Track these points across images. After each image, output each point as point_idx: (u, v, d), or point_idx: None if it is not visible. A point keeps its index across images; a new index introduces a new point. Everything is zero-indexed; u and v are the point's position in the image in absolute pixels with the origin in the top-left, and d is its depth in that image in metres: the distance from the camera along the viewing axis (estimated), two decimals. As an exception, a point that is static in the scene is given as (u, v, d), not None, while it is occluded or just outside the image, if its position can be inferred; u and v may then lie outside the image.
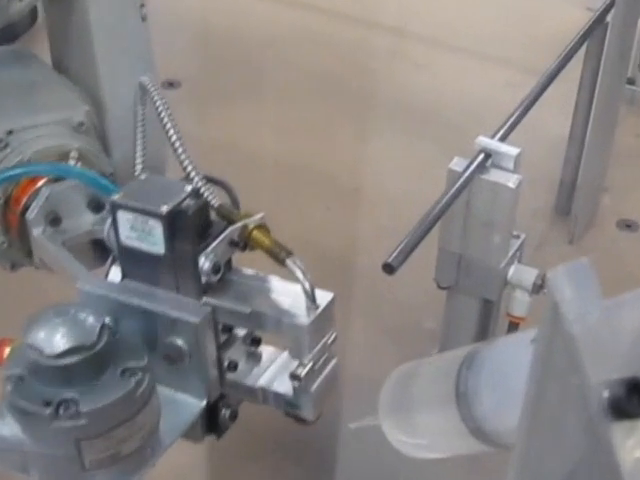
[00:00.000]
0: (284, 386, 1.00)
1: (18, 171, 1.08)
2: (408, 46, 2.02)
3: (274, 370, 1.03)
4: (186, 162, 1.01)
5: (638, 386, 0.51)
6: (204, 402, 1.00)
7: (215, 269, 0.95)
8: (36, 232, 1.09)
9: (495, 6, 2.16)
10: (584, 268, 0.55)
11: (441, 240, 1.26)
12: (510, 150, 1.18)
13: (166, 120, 1.02)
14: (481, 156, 1.18)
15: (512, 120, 1.26)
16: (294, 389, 0.97)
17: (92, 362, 0.89)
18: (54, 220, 1.10)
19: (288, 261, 0.94)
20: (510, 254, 1.25)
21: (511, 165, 1.18)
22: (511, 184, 1.17)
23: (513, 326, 1.42)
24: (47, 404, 0.88)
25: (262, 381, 1.02)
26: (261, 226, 0.97)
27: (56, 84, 1.25)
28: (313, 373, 0.95)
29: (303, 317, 0.94)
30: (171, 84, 1.91)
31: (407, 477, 1.20)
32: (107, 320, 0.94)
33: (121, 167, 1.20)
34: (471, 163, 1.18)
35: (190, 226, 0.95)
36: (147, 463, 0.95)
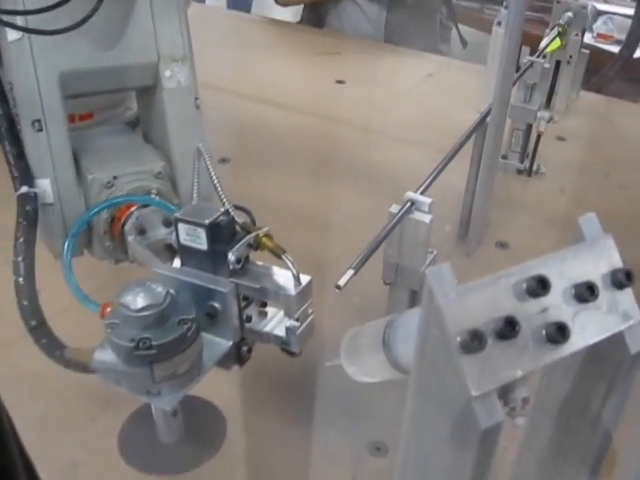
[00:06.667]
0: (280, 331, 1.12)
1: (121, 199, 1.25)
2: (370, 137, 2.42)
3: (274, 322, 1.14)
4: (222, 197, 1.13)
5: (476, 334, 0.61)
6: (231, 342, 1.11)
7: (238, 261, 1.06)
8: (130, 239, 1.23)
9: (422, 110, 2.53)
10: (446, 268, 0.64)
11: (385, 255, 1.42)
12: (426, 199, 1.37)
13: (212, 174, 1.16)
14: (408, 204, 1.38)
15: (429, 180, 1.47)
16: (287, 332, 1.09)
17: (160, 315, 1.00)
18: (141, 231, 1.24)
19: (283, 256, 1.06)
20: (427, 262, 1.43)
21: (427, 208, 1.38)
22: (427, 220, 1.35)
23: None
24: (132, 341, 0.99)
25: (267, 328, 1.13)
26: (267, 235, 1.09)
27: (144, 147, 1.41)
28: (298, 324, 1.08)
29: (292, 290, 1.06)
30: (223, 160, 2.19)
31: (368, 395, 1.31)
32: (171, 290, 1.03)
33: (183, 201, 1.33)
34: (402, 208, 1.37)
35: (223, 233, 1.06)
36: (194, 379, 1.06)
